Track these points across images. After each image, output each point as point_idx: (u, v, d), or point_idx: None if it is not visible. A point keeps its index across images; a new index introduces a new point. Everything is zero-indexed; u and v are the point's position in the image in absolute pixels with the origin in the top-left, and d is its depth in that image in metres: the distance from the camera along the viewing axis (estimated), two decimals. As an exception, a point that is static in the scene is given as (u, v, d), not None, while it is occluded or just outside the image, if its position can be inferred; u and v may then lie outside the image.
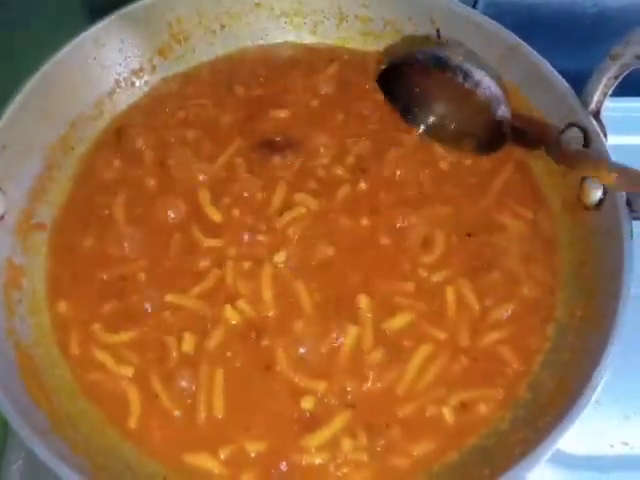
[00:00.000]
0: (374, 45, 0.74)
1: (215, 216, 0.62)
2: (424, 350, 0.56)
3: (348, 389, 0.54)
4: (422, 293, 0.58)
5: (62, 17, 0.73)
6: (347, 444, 0.52)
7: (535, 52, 0.65)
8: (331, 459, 0.52)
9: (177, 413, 0.54)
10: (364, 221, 0.62)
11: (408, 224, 0.61)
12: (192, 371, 0.55)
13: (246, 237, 0.60)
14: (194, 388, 0.54)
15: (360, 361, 0.55)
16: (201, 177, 0.64)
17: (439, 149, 0.66)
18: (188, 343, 0.56)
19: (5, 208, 0.59)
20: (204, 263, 0.60)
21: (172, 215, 0.62)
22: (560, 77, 0.63)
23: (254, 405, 0.54)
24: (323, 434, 0.52)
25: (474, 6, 0.83)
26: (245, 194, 0.63)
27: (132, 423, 0.54)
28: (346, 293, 0.58)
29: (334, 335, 0.56)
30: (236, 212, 0.62)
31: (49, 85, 0.64)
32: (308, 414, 0.53)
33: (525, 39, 0.66)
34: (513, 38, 0.66)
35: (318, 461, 0.52)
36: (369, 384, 0.54)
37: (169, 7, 0.71)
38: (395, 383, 0.55)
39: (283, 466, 0.51)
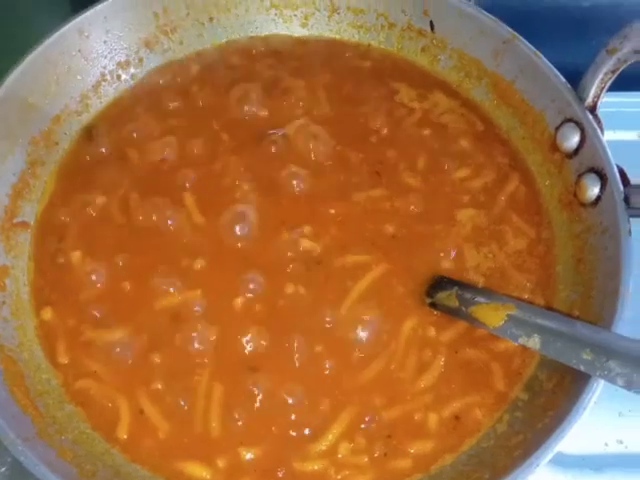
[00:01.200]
0: (366, 37, 0.73)
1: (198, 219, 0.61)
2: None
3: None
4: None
5: (46, 5, 0.71)
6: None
7: (531, 45, 0.64)
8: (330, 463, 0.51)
9: (170, 422, 0.52)
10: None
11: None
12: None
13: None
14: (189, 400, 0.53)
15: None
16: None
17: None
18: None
19: (-13, 206, 0.57)
20: (196, 265, 0.58)
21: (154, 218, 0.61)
22: (556, 71, 0.62)
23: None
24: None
25: (468, -1, 0.82)
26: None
27: (121, 430, 0.52)
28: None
29: None
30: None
31: (31, 78, 0.62)
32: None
33: (518, 32, 0.65)
34: (508, 31, 0.65)
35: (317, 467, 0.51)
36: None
37: (155, -4, 0.69)
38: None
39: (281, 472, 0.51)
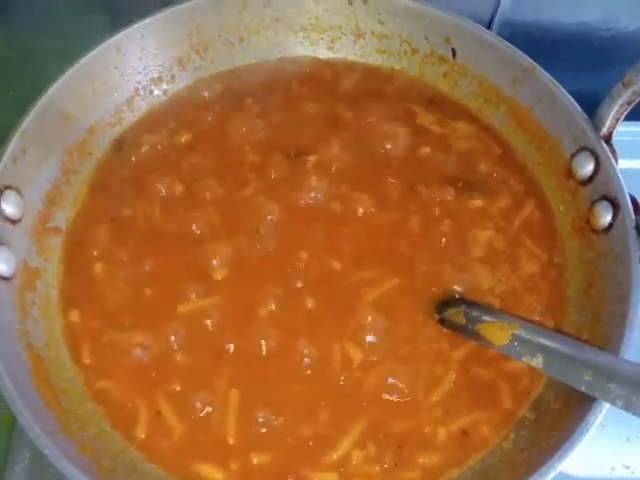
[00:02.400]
0: (389, 62, 0.75)
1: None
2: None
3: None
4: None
5: (87, 22, 0.75)
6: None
7: (549, 75, 0.65)
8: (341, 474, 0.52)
9: (186, 424, 0.54)
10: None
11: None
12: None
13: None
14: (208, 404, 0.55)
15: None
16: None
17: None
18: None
19: (23, 211, 0.60)
20: (216, 276, 0.60)
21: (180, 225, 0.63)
22: (573, 101, 0.64)
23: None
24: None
25: (489, 27, 0.84)
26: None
27: (140, 430, 0.54)
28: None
29: None
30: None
31: (70, 91, 0.65)
32: None
33: (537, 60, 0.67)
34: (527, 60, 0.66)
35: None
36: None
37: (190, 18, 0.72)
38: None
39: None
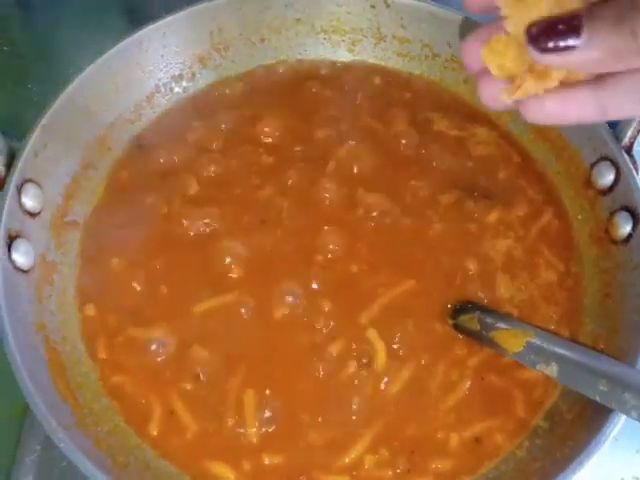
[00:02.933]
0: (410, 66, 0.75)
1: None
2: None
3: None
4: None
5: (107, 20, 0.75)
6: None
7: (570, 83, 0.65)
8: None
9: (199, 422, 0.54)
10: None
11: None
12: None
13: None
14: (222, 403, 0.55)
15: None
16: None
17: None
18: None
19: (42, 204, 0.60)
20: (232, 274, 0.61)
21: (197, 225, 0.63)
22: (594, 110, 0.63)
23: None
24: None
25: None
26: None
27: (153, 427, 0.54)
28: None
29: None
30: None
31: (92, 86, 0.65)
32: None
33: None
34: (549, 68, 0.66)
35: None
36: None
37: (212, 16, 0.72)
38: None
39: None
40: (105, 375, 0.57)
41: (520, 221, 0.64)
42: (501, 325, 0.56)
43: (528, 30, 0.33)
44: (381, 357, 0.56)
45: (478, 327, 0.57)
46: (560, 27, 0.32)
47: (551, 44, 0.32)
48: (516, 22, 0.34)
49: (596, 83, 0.36)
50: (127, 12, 0.86)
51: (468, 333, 0.58)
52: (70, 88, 0.63)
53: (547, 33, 0.32)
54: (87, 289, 0.61)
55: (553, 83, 0.36)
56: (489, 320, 0.57)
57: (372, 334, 0.57)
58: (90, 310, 0.60)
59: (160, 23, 0.69)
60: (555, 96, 0.36)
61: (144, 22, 0.69)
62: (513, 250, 0.63)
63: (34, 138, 0.59)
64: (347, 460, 0.53)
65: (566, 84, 0.36)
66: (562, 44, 0.32)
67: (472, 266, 0.61)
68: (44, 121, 0.60)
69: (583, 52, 0.32)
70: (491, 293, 0.60)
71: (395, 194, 0.65)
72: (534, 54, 0.34)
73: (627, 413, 0.48)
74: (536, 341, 0.54)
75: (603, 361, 0.52)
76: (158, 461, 0.53)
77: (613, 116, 0.37)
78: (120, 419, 0.55)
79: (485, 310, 0.58)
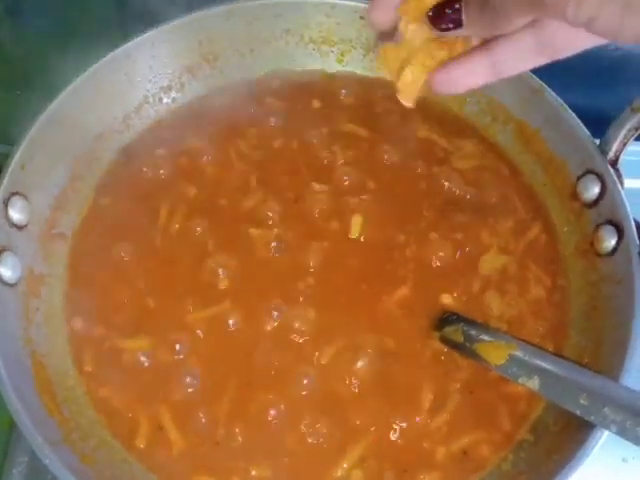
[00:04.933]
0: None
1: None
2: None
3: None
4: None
5: (98, 29, 0.75)
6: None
7: (557, 97, 0.66)
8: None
9: (187, 435, 0.54)
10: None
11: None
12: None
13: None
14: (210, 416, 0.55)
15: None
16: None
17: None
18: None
19: (29, 217, 0.60)
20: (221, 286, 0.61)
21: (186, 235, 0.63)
22: (580, 123, 0.64)
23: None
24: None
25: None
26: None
27: (139, 440, 0.54)
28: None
29: None
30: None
31: (80, 98, 0.65)
32: None
33: (545, 79, 0.66)
34: (537, 82, 0.67)
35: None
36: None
37: (201, 27, 0.72)
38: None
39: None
40: (91, 389, 0.56)
41: (508, 234, 0.64)
42: (484, 337, 0.57)
43: (427, 17, 0.42)
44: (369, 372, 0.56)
45: (462, 339, 0.57)
46: (446, 11, 0.40)
47: (444, 25, 0.41)
48: (415, 16, 0.42)
49: (487, 47, 0.43)
50: (117, 21, 0.86)
51: (453, 345, 0.58)
52: (58, 100, 0.63)
53: (439, 16, 0.41)
54: (75, 302, 0.61)
55: (460, 50, 0.44)
56: (473, 332, 0.57)
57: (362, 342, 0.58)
58: (77, 323, 0.59)
59: (149, 34, 0.69)
60: (457, 63, 0.44)
61: (134, 32, 0.69)
62: (501, 264, 0.63)
63: (21, 151, 0.59)
64: (336, 474, 0.53)
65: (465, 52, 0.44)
66: (451, 25, 0.41)
67: (463, 280, 0.61)
68: (31, 133, 0.60)
69: (468, 28, 0.41)
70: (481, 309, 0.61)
71: (381, 208, 0.65)
72: (437, 33, 0.42)
73: (607, 427, 0.48)
74: (518, 354, 0.55)
75: (584, 375, 0.53)
76: (145, 475, 0.53)
77: (506, 74, 0.44)
78: (107, 433, 0.55)
79: (469, 322, 0.59)
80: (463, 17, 0.40)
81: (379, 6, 0.44)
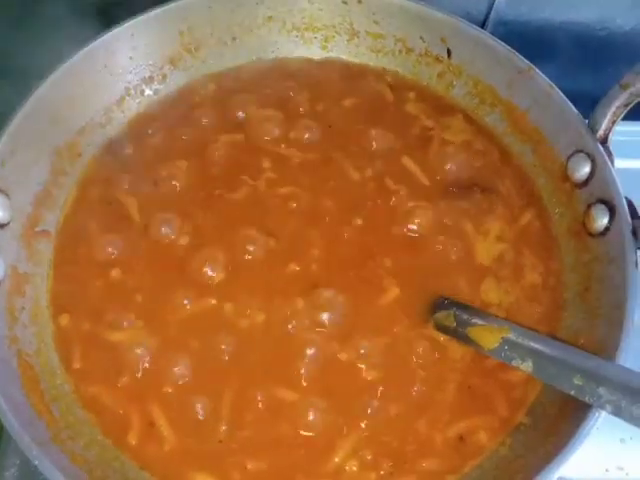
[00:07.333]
0: (383, 62, 0.75)
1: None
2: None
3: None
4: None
5: (76, 21, 0.74)
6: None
7: (545, 77, 0.65)
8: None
9: (179, 431, 0.53)
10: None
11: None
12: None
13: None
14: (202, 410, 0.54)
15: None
16: None
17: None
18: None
19: (11, 214, 0.58)
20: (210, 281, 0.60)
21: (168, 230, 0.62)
22: (569, 103, 0.63)
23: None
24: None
25: (483, 26, 0.84)
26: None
27: (131, 437, 0.53)
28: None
29: None
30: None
31: (59, 91, 0.63)
32: None
33: (532, 59, 0.66)
34: (524, 62, 0.66)
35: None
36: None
37: (181, 16, 0.71)
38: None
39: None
40: (80, 387, 0.56)
41: (501, 218, 0.64)
42: (477, 321, 0.56)
43: None
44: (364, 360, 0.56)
45: (454, 324, 0.57)
46: None
47: None
48: None
49: None
50: (97, 13, 0.84)
51: (446, 331, 0.57)
52: (36, 94, 0.61)
53: None
54: (61, 299, 0.60)
55: None
56: (465, 316, 0.57)
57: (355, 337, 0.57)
58: (64, 320, 0.58)
59: (128, 24, 0.68)
60: None
61: (114, 23, 0.67)
62: (496, 248, 0.62)
63: (0, 146, 0.58)
64: (331, 463, 0.52)
65: None
66: None
67: (459, 268, 0.61)
68: (10, 128, 0.59)
69: None
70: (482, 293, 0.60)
71: (376, 197, 0.64)
72: None
73: (602, 407, 0.48)
74: (511, 337, 0.54)
75: (578, 355, 0.52)
76: (138, 473, 0.52)
77: None
78: (97, 431, 0.54)
79: (461, 306, 0.58)
80: None
81: None
